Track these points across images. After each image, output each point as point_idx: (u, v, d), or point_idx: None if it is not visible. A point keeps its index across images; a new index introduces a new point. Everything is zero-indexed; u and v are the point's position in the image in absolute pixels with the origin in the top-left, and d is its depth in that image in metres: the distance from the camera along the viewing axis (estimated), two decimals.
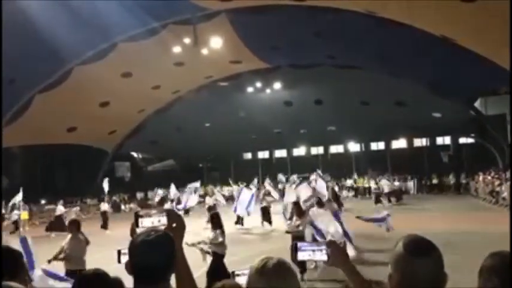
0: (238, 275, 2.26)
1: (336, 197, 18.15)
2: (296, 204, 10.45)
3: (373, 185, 26.80)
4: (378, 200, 24.93)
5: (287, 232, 10.13)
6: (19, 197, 19.99)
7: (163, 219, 2.24)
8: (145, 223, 2.33)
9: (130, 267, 1.75)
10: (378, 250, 10.63)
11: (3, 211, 19.83)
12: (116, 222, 20.04)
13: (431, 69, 22.12)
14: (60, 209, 21.02)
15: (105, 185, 22.27)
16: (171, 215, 2.13)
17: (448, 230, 13.15)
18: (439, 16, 15.60)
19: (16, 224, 20.06)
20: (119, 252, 2.47)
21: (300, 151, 43.29)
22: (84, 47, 20.20)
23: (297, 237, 8.99)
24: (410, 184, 32.23)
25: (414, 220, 17.51)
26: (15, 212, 20.47)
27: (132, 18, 17.66)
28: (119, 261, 2.44)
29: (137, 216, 2.38)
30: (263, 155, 46.28)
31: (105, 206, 20.64)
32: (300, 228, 9.28)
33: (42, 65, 19.35)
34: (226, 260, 7.81)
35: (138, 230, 2.33)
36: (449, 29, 16.84)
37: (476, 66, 18.63)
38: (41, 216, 27.35)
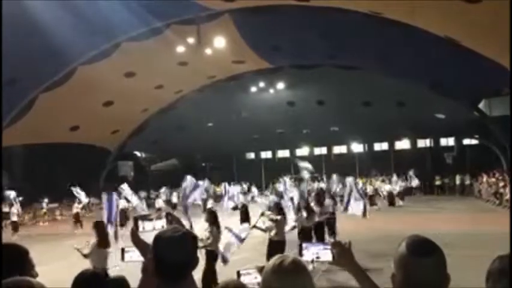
0: (242, 274, 2.28)
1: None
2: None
3: (387, 186, 26.85)
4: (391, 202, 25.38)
5: None
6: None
7: (164, 223, 2.26)
8: (147, 227, 2.35)
9: (155, 264, 1.76)
10: (379, 249, 10.63)
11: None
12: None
13: (434, 69, 22.08)
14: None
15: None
16: (171, 219, 2.14)
17: (450, 231, 13.13)
18: (444, 17, 15.55)
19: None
20: (123, 250, 2.49)
21: (303, 151, 43.27)
22: (88, 46, 20.24)
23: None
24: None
25: (417, 221, 17.51)
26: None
27: (136, 18, 17.69)
28: (123, 259, 2.46)
29: (136, 220, 2.40)
30: (266, 155, 46.30)
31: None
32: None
33: (46, 65, 19.40)
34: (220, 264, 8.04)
35: (140, 234, 2.34)
36: (454, 30, 16.79)
37: (480, 67, 18.58)
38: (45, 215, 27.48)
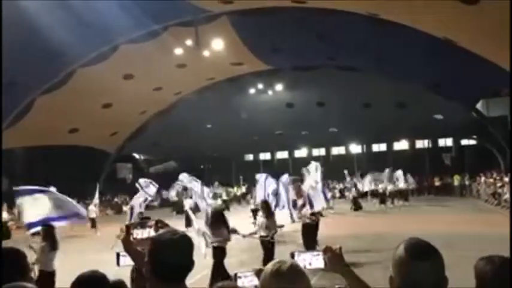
0: (240, 277, 2.28)
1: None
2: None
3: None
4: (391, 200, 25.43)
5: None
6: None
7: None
8: (139, 234, 2.34)
9: (152, 266, 1.75)
10: (375, 250, 10.62)
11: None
12: (116, 224, 20.03)
13: (433, 70, 22.10)
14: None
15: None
16: (161, 226, 2.14)
17: (449, 232, 13.13)
18: (441, 18, 15.58)
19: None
20: (118, 255, 2.47)
21: (301, 153, 43.29)
22: (86, 49, 20.24)
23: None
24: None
25: (416, 221, 17.50)
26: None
27: (134, 20, 17.68)
28: (118, 264, 2.44)
29: (128, 228, 2.38)
30: (265, 156, 46.29)
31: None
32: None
33: (44, 67, 19.39)
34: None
35: (134, 241, 2.34)
36: (452, 31, 16.83)
37: (478, 67, 18.61)
38: None
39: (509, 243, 3.25)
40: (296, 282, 1.52)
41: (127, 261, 2.29)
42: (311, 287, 1.59)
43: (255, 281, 2.22)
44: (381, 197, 25.24)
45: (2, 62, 15.41)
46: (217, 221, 8.32)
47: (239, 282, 2.31)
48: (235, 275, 2.37)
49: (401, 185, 26.52)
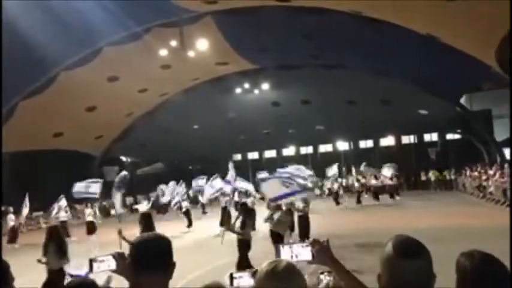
0: (235, 277, 2.26)
1: None
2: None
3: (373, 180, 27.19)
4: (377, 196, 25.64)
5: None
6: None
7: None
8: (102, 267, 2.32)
9: (133, 271, 1.75)
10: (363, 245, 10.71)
11: None
12: (105, 227, 19.83)
13: (417, 67, 22.30)
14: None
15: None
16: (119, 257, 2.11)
17: (436, 226, 13.29)
18: (424, 14, 15.75)
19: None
20: (91, 261, 2.43)
21: (289, 151, 43.37)
22: (69, 51, 19.99)
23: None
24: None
25: (403, 216, 17.67)
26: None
27: (117, 22, 17.53)
28: (91, 271, 2.40)
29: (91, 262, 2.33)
30: (252, 155, 46.26)
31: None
32: None
33: (27, 71, 19.10)
34: (211, 266, 8.12)
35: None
36: (434, 27, 17.01)
37: (461, 63, 18.85)
38: (28, 224, 27.01)
39: (509, 241, 3.27)
40: (292, 281, 1.52)
41: (100, 267, 2.26)
42: (306, 286, 1.59)
43: (251, 282, 2.20)
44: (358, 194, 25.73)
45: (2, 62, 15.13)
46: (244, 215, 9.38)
47: (235, 283, 2.29)
48: (231, 275, 2.35)
49: (388, 180, 26.82)
